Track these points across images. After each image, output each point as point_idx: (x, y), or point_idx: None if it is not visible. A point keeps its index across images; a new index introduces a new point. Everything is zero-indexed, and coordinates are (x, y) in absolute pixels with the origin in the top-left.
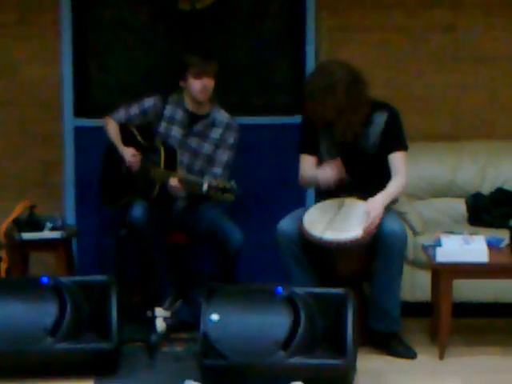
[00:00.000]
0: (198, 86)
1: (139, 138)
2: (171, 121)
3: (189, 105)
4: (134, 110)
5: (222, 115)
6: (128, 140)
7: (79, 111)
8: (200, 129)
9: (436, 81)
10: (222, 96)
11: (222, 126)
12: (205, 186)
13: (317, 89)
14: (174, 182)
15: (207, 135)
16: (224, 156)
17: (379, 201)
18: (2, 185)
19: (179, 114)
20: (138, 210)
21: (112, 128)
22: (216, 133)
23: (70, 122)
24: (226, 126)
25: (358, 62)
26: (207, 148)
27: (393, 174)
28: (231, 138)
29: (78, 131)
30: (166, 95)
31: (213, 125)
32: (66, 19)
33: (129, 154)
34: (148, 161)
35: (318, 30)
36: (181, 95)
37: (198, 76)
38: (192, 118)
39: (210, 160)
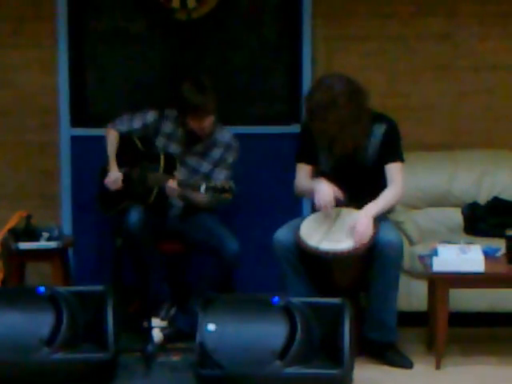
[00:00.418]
0: (198, 126)
1: (139, 144)
2: (170, 138)
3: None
4: (137, 123)
5: (223, 135)
6: (127, 146)
7: (76, 121)
8: (200, 149)
9: (432, 90)
10: (218, 106)
11: (222, 146)
12: (203, 187)
13: (318, 105)
14: (173, 184)
15: (207, 154)
16: (221, 175)
17: (369, 211)
18: None
19: (179, 132)
20: (134, 215)
21: (111, 139)
22: (216, 153)
23: (66, 131)
24: (227, 146)
25: (354, 71)
26: (206, 167)
27: (388, 183)
28: (230, 158)
29: (75, 141)
30: (162, 109)
31: (214, 145)
32: (63, 29)
33: (113, 175)
34: (146, 167)
35: (314, 39)
36: None
37: (197, 118)
38: (192, 137)
39: (207, 177)
